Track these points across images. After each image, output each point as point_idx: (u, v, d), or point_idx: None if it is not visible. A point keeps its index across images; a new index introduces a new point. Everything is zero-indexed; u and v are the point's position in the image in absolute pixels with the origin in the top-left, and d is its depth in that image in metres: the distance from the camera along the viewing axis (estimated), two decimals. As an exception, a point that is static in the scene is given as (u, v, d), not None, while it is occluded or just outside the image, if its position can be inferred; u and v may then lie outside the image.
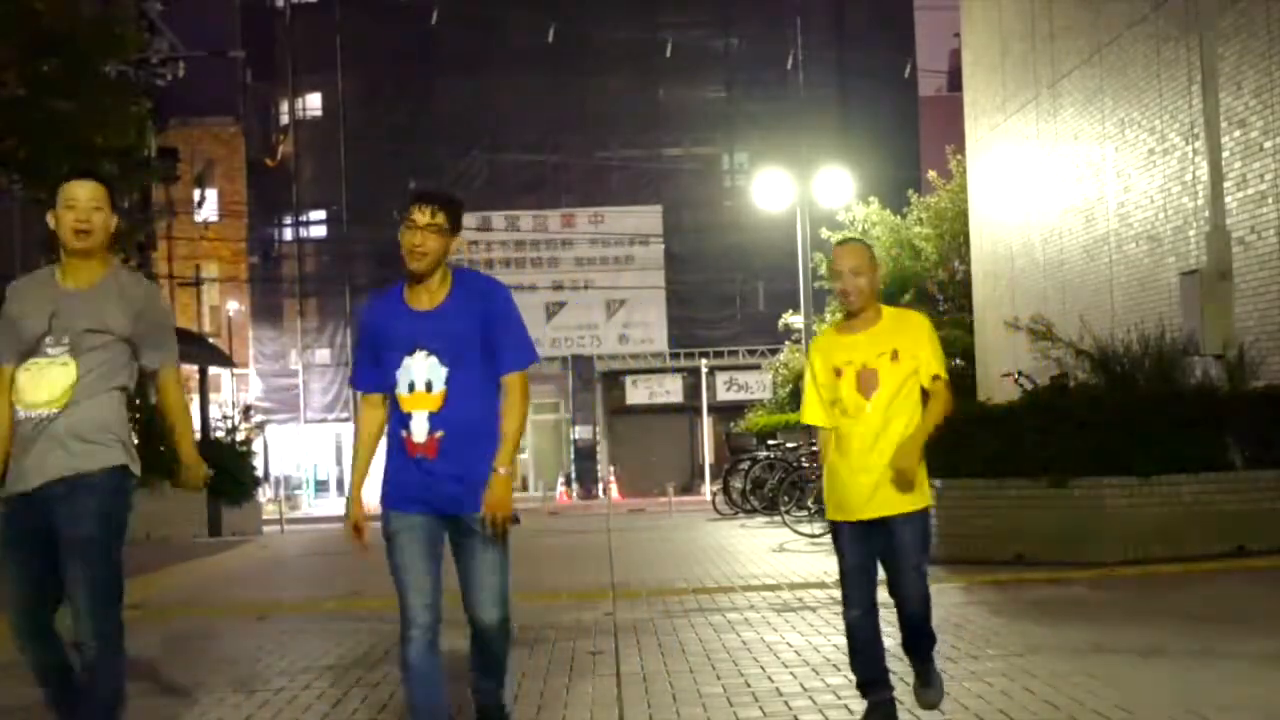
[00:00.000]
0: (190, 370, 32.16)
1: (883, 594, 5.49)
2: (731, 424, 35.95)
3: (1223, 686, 6.23)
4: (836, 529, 5.61)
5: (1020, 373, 13.83)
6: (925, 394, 5.54)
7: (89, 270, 5.10)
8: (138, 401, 23.12)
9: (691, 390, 42.97)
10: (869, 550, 5.49)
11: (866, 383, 5.47)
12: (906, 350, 5.51)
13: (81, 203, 5.06)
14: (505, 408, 4.96)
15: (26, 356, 5.02)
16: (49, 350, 4.99)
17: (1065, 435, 11.96)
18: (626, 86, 43.97)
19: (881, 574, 5.53)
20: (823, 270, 31.64)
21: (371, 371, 5.10)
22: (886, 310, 5.65)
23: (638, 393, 44.63)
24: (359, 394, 5.18)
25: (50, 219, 5.12)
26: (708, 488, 37.54)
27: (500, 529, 4.88)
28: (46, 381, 5.00)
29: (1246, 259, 15.43)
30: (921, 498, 5.48)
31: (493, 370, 4.97)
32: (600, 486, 42.10)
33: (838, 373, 5.53)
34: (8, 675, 7.47)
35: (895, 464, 5.35)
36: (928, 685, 5.67)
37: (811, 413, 5.69)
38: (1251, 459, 12.08)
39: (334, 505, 40.55)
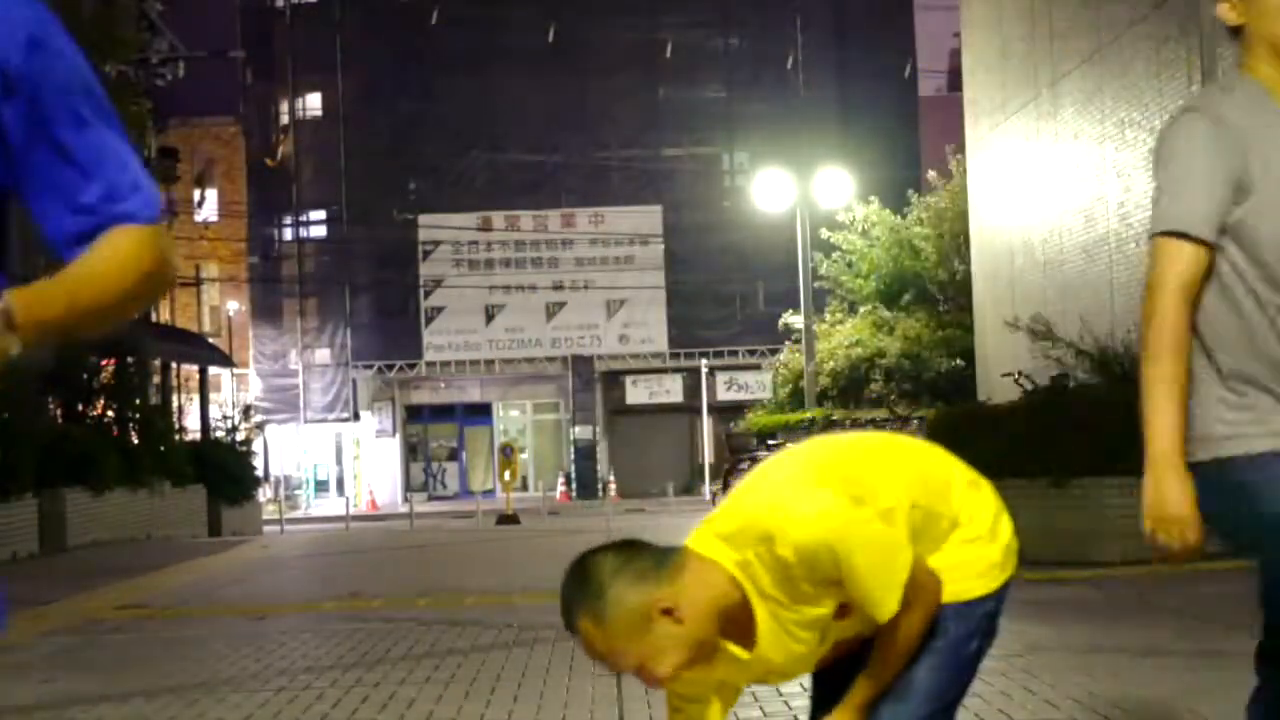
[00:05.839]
0: (191, 370, 32.23)
1: None
2: (731, 424, 35.95)
3: (1223, 686, 6.22)
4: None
5: (1020, 373, 13.85)
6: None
7: None
8: (138, 401, 23.23)
9: (691, 390, 42.94)
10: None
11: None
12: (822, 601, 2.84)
13: None
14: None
15: None
16: None
17: (1065, 435, 11.96)
18: (626, 86, 43.92)
19: None
20: (823, 270, 31.72)
21: None
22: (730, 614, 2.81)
23: (638, 393, 44.60)
24: None
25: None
26: (707, 488, 37.54)
27: None
28: None
29: (1246, 259, 15.44)
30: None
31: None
32: (600, 486, 42.07)
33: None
34: (7, 674, 7.46)
35: None
36: None
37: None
38: (1251, 459, 12.07)
39: (334, 505, 40.54)
